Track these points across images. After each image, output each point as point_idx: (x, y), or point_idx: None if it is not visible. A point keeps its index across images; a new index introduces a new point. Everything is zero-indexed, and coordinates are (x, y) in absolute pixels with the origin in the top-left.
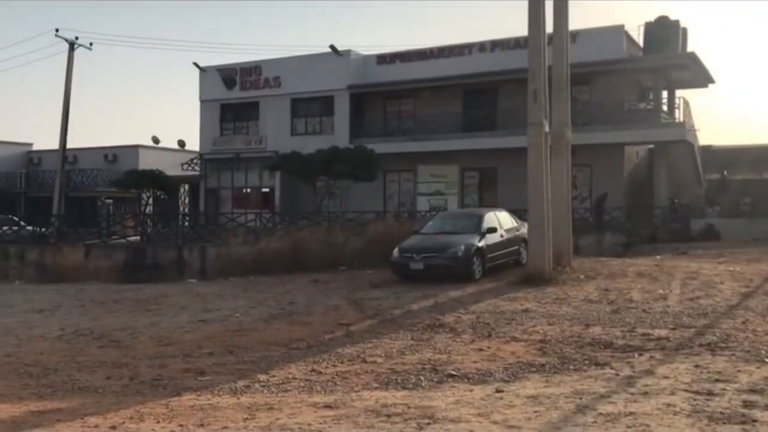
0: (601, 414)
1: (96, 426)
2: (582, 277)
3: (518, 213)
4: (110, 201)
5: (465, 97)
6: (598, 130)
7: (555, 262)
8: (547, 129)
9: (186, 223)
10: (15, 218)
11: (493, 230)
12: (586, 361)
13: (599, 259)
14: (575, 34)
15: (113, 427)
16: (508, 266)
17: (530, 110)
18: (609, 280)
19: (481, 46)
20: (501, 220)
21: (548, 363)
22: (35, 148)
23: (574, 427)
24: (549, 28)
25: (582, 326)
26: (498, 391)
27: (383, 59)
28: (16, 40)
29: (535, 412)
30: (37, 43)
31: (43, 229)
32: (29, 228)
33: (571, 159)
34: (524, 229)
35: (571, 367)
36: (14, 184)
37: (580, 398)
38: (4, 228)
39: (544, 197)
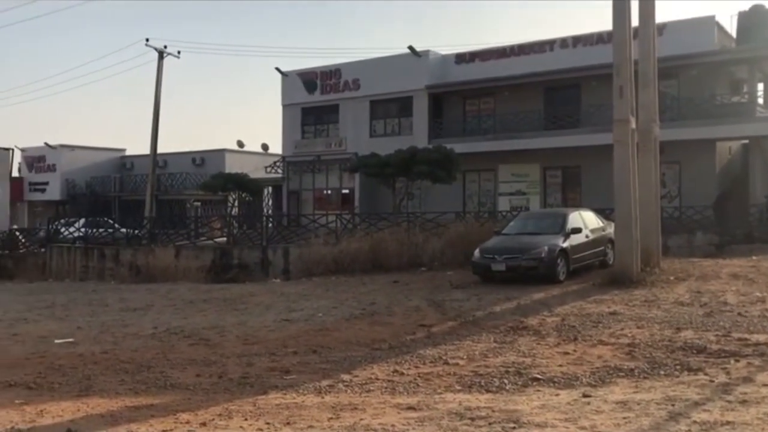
0: (695, 422)
1: (187, 422)
2: (672, 278)
3: (604, 212)
4: (198, 203)
5: (546, 95)
6: (688, 126)
7: (643, 263)
8: (633, 125)
9: (270, 225)
10: (110, 221)
11: (577, 230)
12: (678, 367)
13: (690, 260)
14: (662, 27)
15: (203, 424)
16: (594, 267)
17: (616, 106)
18: (701, 282)
19: (563, 42)
20: (586, 220)
21: (637, 368)
22: (128, 153)
23: None
24: (634, 21)
25: (673, 330)
26: (585, 395)
27: (462, 58)
28: (109, 50)
29: (625, 418)
30: (129, 53)
31: (136, 231)
32: (123, 230)
33: (659, 156)
34: (610, 229)
35: (662, 372)
36: (109, 188)
37: (673, 405)
38: (100, 230)
39: (631, 196)
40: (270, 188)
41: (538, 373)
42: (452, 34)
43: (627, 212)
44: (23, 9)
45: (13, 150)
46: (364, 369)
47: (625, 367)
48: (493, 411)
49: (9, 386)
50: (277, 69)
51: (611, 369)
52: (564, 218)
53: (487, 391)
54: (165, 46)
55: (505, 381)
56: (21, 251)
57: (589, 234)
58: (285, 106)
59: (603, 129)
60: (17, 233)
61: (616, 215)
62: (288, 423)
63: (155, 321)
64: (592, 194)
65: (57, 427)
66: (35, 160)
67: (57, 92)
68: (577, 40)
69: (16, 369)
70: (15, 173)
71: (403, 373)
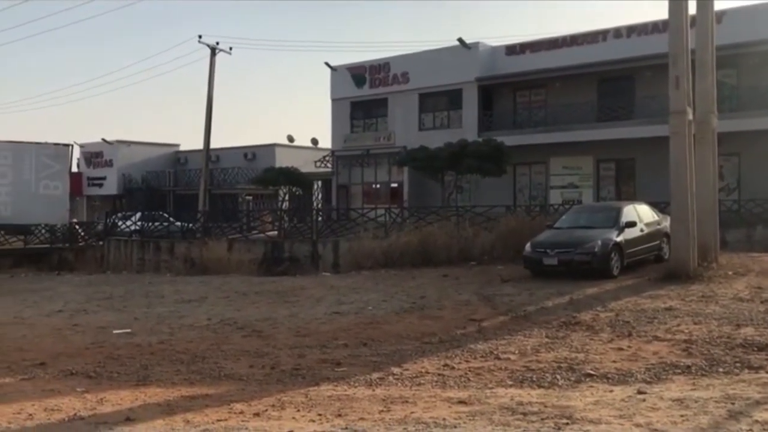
0: (756, 421)
1: (241, 412)
2: (731, 273)
3: (659, 206)
4: (250, 197)
5: (599, 86)
6: (748, 116)
7: (700, 257)
8: (690, 116)
9: (319, 219)
10: (165, 214)
11: (632, 224)
12: (738, 364)
13: (750, 255)
14: (721, 14)
15: (257, 414)
16: (649, 262)
17: (672, 97)
18: (762, 278)
19: (616, 32)
20: (641, 214)
21: (694, 364)
22: (182, 148)
23: None
24: (691, 9)
25: (732, 326)
26: (640, 392)
27: (512, 50)
28: (163, 48)
29: (682, 416)
30: (182, 50)
31: (190, 225)
32: (178, 224)
33: (718, 148)
34: (666, 223)
35: (721, 369)
36: (164, 183)
37: (732, 403)
38: (156, 223)
39: (688, 189)
40: (320, 182)
41: (591, 369)
42: (497, 26)
43: (683, 205)
44: (80, 9)
45: (72, 146)
46: (414, 362)
47: (682, 363)
48: (546, 406)
49: (71, 375)
50: (327, 64)
51: (667, 366)
52: (618, 212)
53: (539, 386)
54: (217, 43)
55: (558, 376)
56: (80, 244)
57: (644, 228)
58: (334, 101)
59: (658, 120)
60: (77, 227)
61: (671, 209)
62: (339, 415)
63: (209, 312)
64: (646, 187)
65: (116, 415)
66: (93, 156)
67: (113, 89)
68: (632, 30)
69: (77, 358)
70: (74, 168)
71: (453, 367)
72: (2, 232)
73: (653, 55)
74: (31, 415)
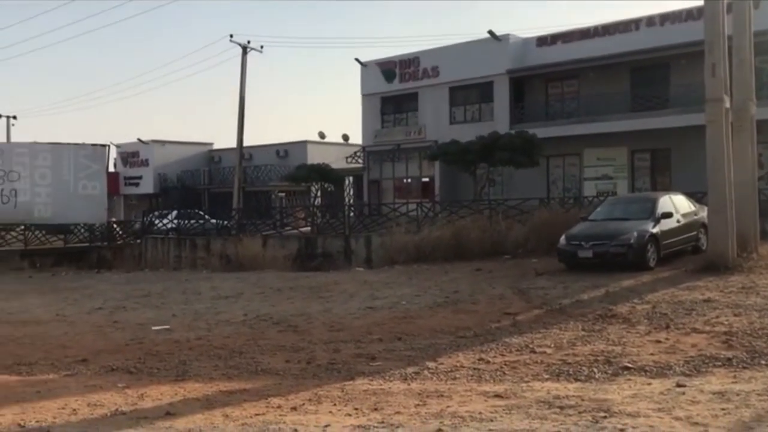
0: None
1: (279, 407)
2: None
3: (696, 196)
4: (283, 194)
5: (633, 75)
6: None
7: (739, 248)
8: (727, 105)
9: (351, 214)
10: (200, 212)
11: (668, 215)
12: None
13: None
14: None
15: (294, 408)
16: (686, 253)
17: (708, 85)
18: None
19: (649, 20)
20: (677, 204)
21: (735, 357)
22: (215, 147)
23: None
24: None
25: None
26: (679, 385)
27: (544, 41)
28: (195, 48)
29: (723, 409)
30: (214, 50)
31: (225, 222)
32: (213, 221)
33: (757, 135)
34: (703, 214)
35: (763, 362)
36: (198, 181)
37: None
38: (191, 221)
39: (726, 178)
40: (351, 178)
41: (628, 362)
42: (528, 17)
43: (721, 195)
44: (113, 12)
45: (109, 146)
46: (449, 356)
47: (722, 356)
48: (583, 400)
49: (111, 370)
50: (357, 59)
51: (707, 358)
52: (654, 203)
53: (576, 379)
54: (248, 42)
55: (595, 370)
56: (119, 243)
57: (681, 219)
58: (364, 96)
59: (694, 109)
60: (115, 226)
61: (709, 199)
62: (376, 409)
63: (245, 308)
64: (682, 177)
65: (157, 410)
66: (129, 156)
67: (147, 90)
68: (665, 18)
69: (118, 355)
70: (111, 168)
71: (488, 361)
72: (43, 232)
73: (688, 43)
74: (75, 410)
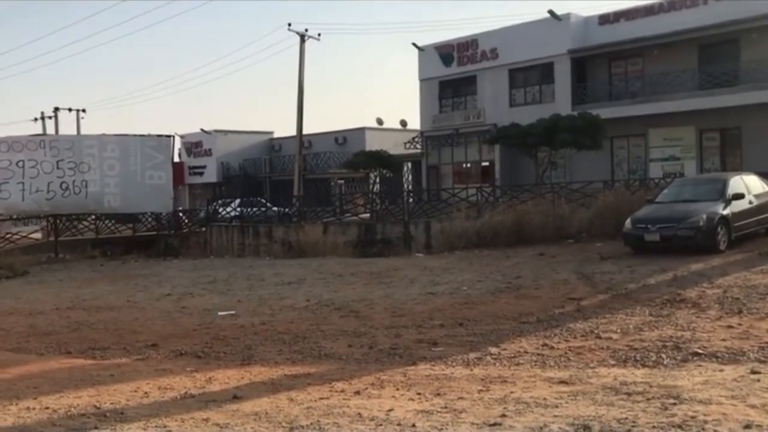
0: None
1: (342, 391)
2: None
3: None
4: (342, 181)
5: (700, 52)
6: None
7: None
8: None
9: (410, 200)
10: (262, 200)
11: (740, 196)
12: None
13: None
14: None
15: (357, 392)
16: (759, 236)
17: None
18: None
19: None
20: (749, 185)
21: None
22: (276, 135)
23: None
24: None
25: None
26: (753, 372)
27: (606, 19)
28: (254, 38)
29: None
30: (273, 39)
31: (286, 210)
32: (274, 209)
33: None
34: None
35: None
36: (260, 169)
37: None
38: (254, 209)
39: None
40: (409, 164)
41: (698, 348)
42: None
43: None
44: (175, 5)
45: (173, 137)
46: (511, 342)
47: None
48: (651, 386)
49: (180, 355)
50: (414, 44)
51: None
52: (724, 183)
53: (644, 365)
54: (306, 30)
55: (663, 356)
56: (184, 231)
57: (753, 200)
58: (422, 81)
59: (766, 86)
60: (181, 214)
61: None
62: (438, 394)
63: (308, 294)
64: (755, 157)
65: (224, 394)
66: (193, 146)
67: (209, 80)
68: None
69: (186, 339)
70: (176, 158)
71: (552, 347)
72: (113, 221)
73: (760, 16)
74: (146, 393)
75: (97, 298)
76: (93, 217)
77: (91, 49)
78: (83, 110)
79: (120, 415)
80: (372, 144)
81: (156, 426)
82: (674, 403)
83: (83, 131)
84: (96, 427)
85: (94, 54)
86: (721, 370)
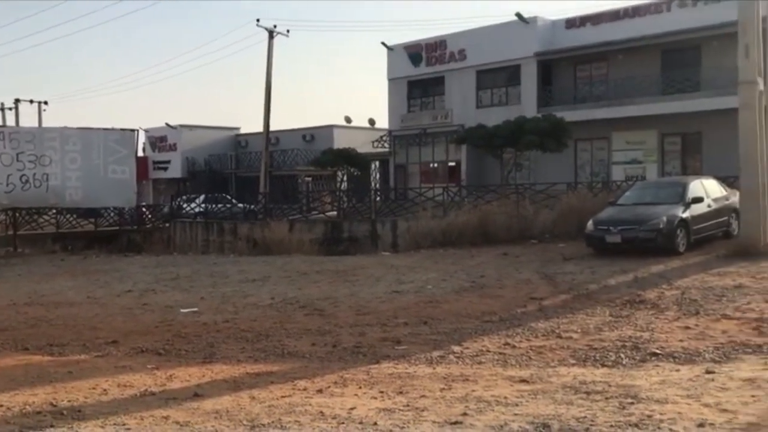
0: None
1: (305, 389)
2: None
3: (728, 181)
4: (309, 179)
5: (663, 58)
6: None
7: None
8: (761, 87)
9: (378, 199)
10: (227, 196)
11: (699, 200)
12: None
13: None
14: None
15: (320, 391)
16: (717, 239)
17: (741, 67)
18: None
19: (681, 2)
20: (708, 189)
21: (766, 344)
22: (242, 131)
23: None
24: None
25: None
26: (708, 372)
27: (572, 23)
28: (223, 33)
29: (753, 396)
30: (241, 34)
31: (252, 206)
32: (240, 205)
33: None
34: (735, 198)
35: None
36: (226, 166)
37: None
38: (219, 205)
39: (758, 162)
40: (377, 163)
41: (656, 348)
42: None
43: (753, 180)
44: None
45: (138, 131)
46: (474, 341)
47: (753, 343)
48: (610, 386)
49: (141, 352)
50: (383, 43)
51: (737, 345)
52: (684, 187)
53: (603, 365)
54: (275, 26)
55: (622, 355)
56: (148, 226)
57: (712, 203)
58: (391, 80)
59: (726, 92)
60: (144, 209)
61: (741, 183)
62: (401, 392)
63: (272, 292)
64: (714, 161)
65: (185, 391)
66: (158, 140)
67: (175, 75)
68: None
69: (147, 336)
70: (140, 153)
71: (514, 346)
72: (75, 216)
73: (721, 24)
74: (105, 390)
75: (56, 294)
76: (54, 211)
77: (56, 40)
78: (45, 102)
79: (77, 413)
80: (340, 142)
81: (114, 424)
82: (632, 403)
83: (45, 124)
84: (52, 425)
85: (58, 45)
86: (678, 370)
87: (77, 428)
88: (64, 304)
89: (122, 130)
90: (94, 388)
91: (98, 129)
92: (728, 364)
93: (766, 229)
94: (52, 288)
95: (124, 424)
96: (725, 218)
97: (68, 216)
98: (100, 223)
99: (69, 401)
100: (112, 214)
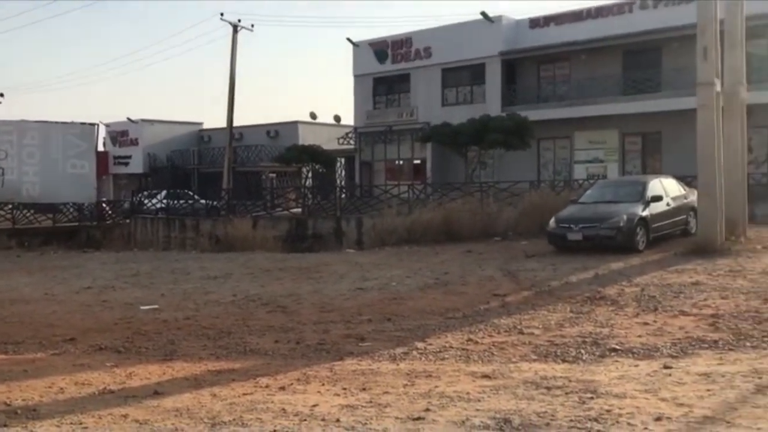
0: None
1: (267, 386)
2: (759, 247)
3: (686, 180)
4: (273, 175)
5: (625, 58)
6: None
7: (728, 231)
8: (718, 88)
9: (343, 196)
10: (190, 192)
11: (658, 198)
12: (766, 339)
13: None
14: None
15: (282, 388)
16: (675, 237)
17: (699, 69)
18: None
19: (643, 3)
20: (667, 188)
21: (721, 339)
22: (205, 126)
23: (754, 408)
24: None
25: (760, 301)
26: (666, 367)
27: (536, 23)
28: (185, 26)
29: (708, 390)
30: (204, 28)
31: (215, 203)
32: (202, 201)
33: (747, 120)
34: (693, 197)
35: (748, 344)
36: (188, 161)
37: (760, 377)
38: (181, 201)
39: (716, 162)
40: (343, 159)
41: (616, 344)
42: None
43: (711, 179)
44: None
45: (98, 125)
46: (438, 337)
47: (709, 338)
48: (570, 381)
49: (100, 349)
50: (349, 39)
51: (693, 340)
52: (644, 186)
53: (564, 360)
54: (239, 20)
55: (582, 351)
56: (108, 222)
57: (671, 202)
58: (356, 77)
59: (686, 93)
60: (104, 205)
61: (699, 182)
62: (364, 389)
63: (234, 289)
64: (673, 161)
65: (145, 389)
66: (119, 135)
67: (138, 68)
68: (659, 0)
69: (106, 333)
70: (100, 148)
71: (477, 342)
72: (32, 211)
73: (681, 26)
74: (62, 389)
75: (12, 291)
76: (10, 206)
77: (11, 31)
78: (1, 95)
79: (32, 412)
80: (305, 138)
81: (71, 423)
82: (591, 397)
83: (1, 117)
84: (5, 425)
85: (14, 36)
86: (636, 365)
87: (32, 428)
88: (20, 301)
89: (82, 124)
90: (50, 387)
91: (57, 123)
92: (685, 359)
93: (723, 227)
94: (7, 285)
95: (81, 423)
96: (683, 217)
97: (25, 211)
98: (58, 219)
99: (24, 400)
100: (71, 210)
